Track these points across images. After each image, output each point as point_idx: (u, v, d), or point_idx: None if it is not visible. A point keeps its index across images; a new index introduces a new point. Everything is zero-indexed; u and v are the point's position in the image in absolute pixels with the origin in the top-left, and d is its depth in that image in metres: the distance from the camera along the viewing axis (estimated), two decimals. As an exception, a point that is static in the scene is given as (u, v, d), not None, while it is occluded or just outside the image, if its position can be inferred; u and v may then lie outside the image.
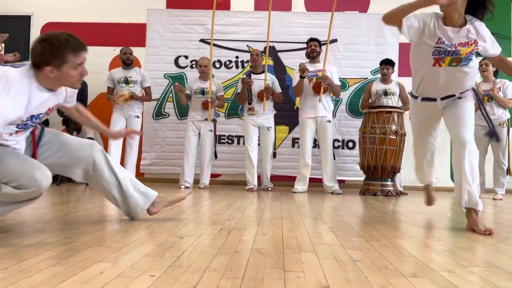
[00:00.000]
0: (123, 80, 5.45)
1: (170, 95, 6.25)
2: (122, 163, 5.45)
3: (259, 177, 5.44)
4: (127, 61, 5.47)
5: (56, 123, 6.13)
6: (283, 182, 5.91)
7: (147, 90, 5.60)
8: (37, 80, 1.95)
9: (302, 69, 5.01)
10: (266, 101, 5.19)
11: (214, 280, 1.32)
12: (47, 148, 2.23)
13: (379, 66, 5.49)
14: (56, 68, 1.94)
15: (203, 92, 5.40)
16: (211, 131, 5.40)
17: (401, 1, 2.39)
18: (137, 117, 5.50)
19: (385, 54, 5.87)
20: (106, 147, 6.17)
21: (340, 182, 5.49)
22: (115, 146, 5.37)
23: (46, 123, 5.98)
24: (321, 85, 5.03)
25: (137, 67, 5.67)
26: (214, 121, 5.51)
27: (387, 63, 5.36)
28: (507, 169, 5.00)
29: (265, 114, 5.28)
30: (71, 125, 5.60)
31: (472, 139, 2.43)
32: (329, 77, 5.12)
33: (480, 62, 5.11)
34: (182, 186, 5.30)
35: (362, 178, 5.26)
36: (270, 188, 5.24)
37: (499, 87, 5.03)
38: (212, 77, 5.50)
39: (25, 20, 6.49)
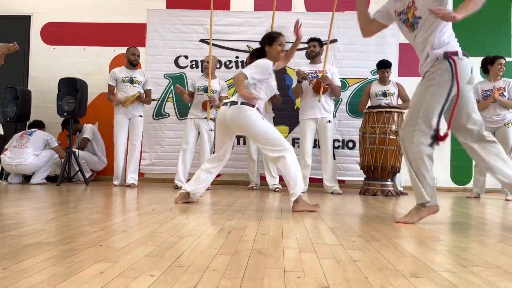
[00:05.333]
0: (128, 80, 5.43)
1: (170, 95, 6.25)
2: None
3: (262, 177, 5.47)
4: (134, 62, 5.46)
5: (56, 123, 6.14)
6: (283, 182, 5.90)
7: (148, 93, 5.59)
8: None
9: (303, 77, 5.04)
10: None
11: (214, 280, 1.32)
12: None
13: (376, 68, 5.48)
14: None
15: (206, 89, 5.25)
16: (211, 130, 5.22)
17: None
18: (140, 116, 5.50)
19: (385, 54, 5.87)
20: (107, 148, 6.18)
21: (340, 182, 5.49)
22: (121, 143, 5.39)
23: (42, 125, 6.01)
24: (320, 85, 5.04)
25: (139, 68, 5.66)
26: (214, 120, 5.42)
27: (386, 66, 5.31)
28: None
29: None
30: (72, 126, 5.59)
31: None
32: (329, 77, 5.13)
33: (499, 61, 4.98)
34: (179, 184, 5.14)
35: (362, 178, 5.26)
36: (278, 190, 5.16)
37: (504, 87, 4.98)
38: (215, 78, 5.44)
39: (25, 20, 6.49)
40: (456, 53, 2.53)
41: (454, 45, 2.59)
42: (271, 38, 3.42)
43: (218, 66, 6.24)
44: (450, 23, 2.59)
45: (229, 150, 3.47)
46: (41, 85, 6.40)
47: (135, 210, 3.11)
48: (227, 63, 6.27)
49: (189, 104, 5.42)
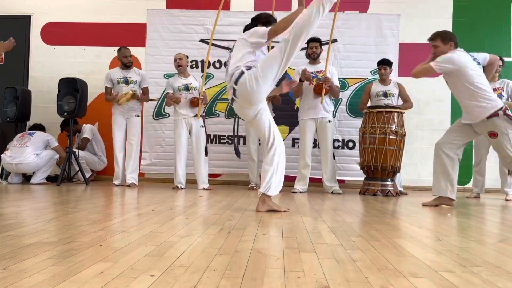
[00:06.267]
0: (123, 81, 5.44)
1: (170, 95, 6.25)
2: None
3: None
4: (128, 64, 5.46)
5: (56, 123, 6.14)
6: (283, 182, 5.90)
7: (145, 90, 5.59)
8: None
9: (307, 77, 5.05)
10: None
11: (214, 280, 1.32)
12: None
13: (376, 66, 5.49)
14: None
15: (187, 88, 5.26)
16: (202, 127, 5.25)
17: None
18: (137, 116, 5.51)
19: (385, 54, 5.87)
20: (107, 148, 6.18)
21: (340, 182, 5.49)
22: (119, 143, 5.39)
23: (42, 128, 6.01)
24: (323, 87, 5.04)
25: (135, 67, 5.66)
26: (203, 117, 5.38)
27: (384, 63, 5.33)
28: (508, 169, 4.97)
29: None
30: (72, 126, 5.59)
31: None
32: (330, 78, 5.13)
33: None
34: (179, 185, 5.18)
35: (362, 178, 5.26)
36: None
37: (502, 87, 4.99)
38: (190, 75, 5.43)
39: (25, 20, 6.49)
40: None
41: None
42: (268, 22, 3.32)
43: (218, 66, 6.26)
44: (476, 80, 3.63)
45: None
46: (41, 85, 6.40)
47: (135, 210, 3.11)
48: (227, 63, 6.26)
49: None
